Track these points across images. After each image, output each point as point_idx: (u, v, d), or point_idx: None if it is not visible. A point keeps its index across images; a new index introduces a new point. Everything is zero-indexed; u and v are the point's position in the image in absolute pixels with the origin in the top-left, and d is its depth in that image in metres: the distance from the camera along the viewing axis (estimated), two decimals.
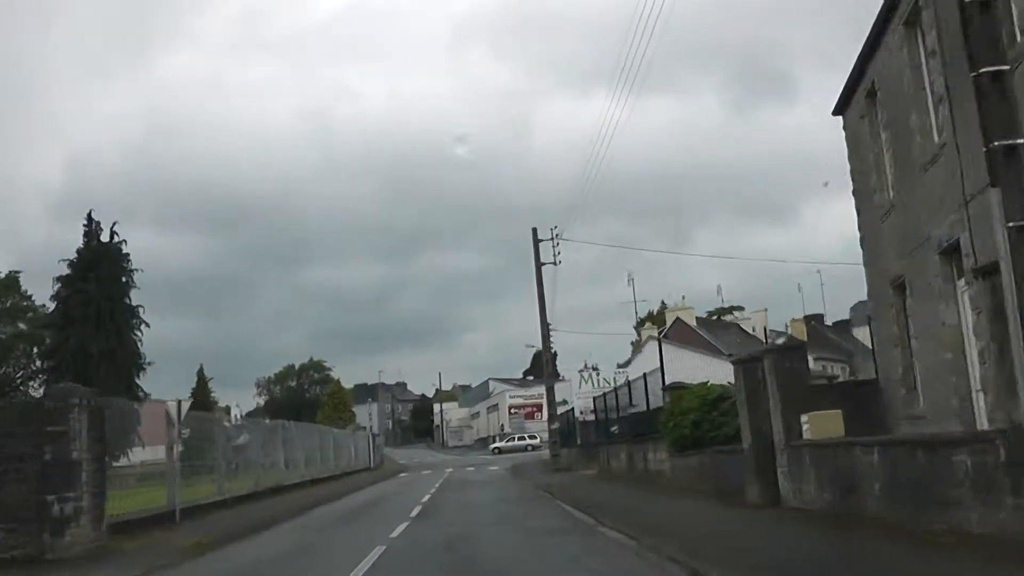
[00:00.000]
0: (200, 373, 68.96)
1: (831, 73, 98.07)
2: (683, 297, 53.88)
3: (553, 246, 34.63)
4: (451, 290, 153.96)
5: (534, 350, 59.75)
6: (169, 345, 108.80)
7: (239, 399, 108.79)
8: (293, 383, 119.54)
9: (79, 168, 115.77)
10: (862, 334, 48.40)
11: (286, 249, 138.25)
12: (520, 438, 77.32)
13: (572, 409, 37.14)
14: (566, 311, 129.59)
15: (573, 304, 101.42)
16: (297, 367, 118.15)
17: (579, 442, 34.75)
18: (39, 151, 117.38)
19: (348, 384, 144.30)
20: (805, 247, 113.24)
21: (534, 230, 34.95)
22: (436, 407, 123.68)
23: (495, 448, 76.38)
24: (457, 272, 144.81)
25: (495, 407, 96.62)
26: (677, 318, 51.70)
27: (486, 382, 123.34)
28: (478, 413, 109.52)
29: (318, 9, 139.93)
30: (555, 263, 34.60)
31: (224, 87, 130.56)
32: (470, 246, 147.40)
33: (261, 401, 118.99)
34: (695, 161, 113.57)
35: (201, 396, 68.09)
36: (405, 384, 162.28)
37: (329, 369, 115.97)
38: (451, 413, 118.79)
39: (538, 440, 74.38)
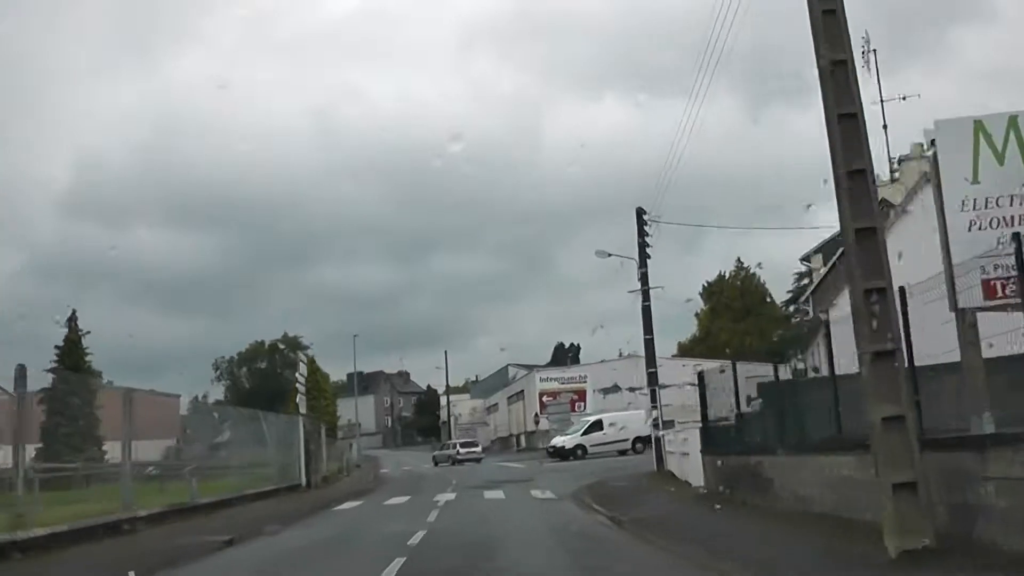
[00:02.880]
0: (71, 324, 44.06)
1: None
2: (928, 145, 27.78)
3: None
4: (460, 292, 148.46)
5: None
6: (175, 343, 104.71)
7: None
8: (263, 365, 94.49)
9: (87, 167, 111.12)
10: None
11: (293, 249, 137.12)
12: (446, 445, 59.03)
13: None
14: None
15: None
16: (267, 345, 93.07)
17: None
18: (47, 150, 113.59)
19: (340, 375, 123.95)
20: None
21: None
22: (445, 399, 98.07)
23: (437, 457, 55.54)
24: (466, 275, 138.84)
25: (519, 395, 71.63)
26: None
27: (504, 369, 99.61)
28: (495, 405, 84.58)
29: (326, 11, 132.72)
30: None
31: (232, 87, 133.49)
32: (479, 249, 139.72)
33: (222, 388, 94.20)
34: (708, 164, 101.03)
35: (73, 360, 44.12)
36: (408, 374, 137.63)
37: (307, 347, 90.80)
38: (461, 406, 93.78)
39: (456, 449, 53.86)
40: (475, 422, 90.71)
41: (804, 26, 8.20)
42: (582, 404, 61.38)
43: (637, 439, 41.38)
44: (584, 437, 42.43)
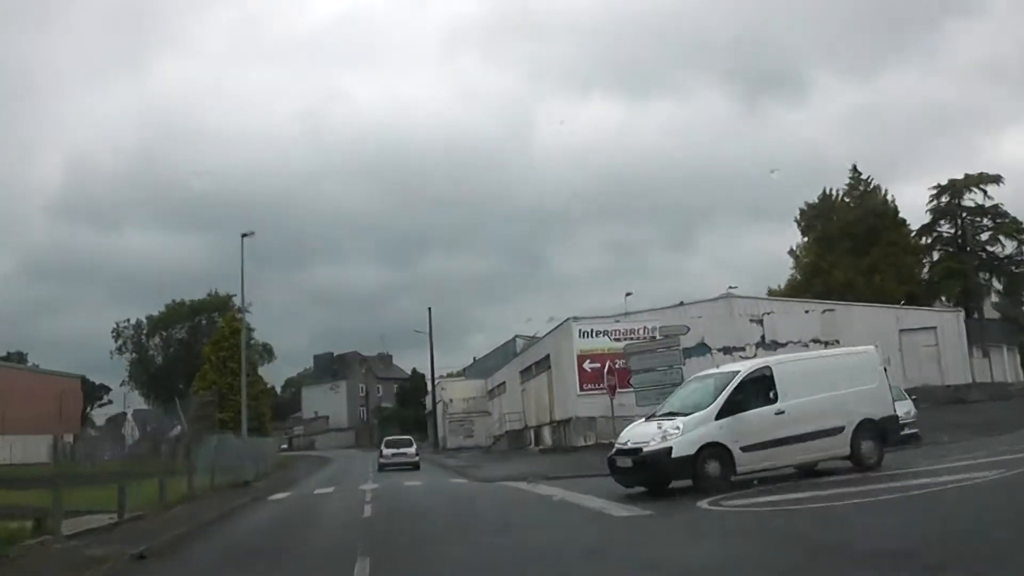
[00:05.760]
0: None
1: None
2: None
3: None
4: (452, 292, 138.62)
5: None
6: None
7: None
8: (182, 334, 69.07)
9: (78, 170, 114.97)
10: None
11: (283, 250, 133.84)
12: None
13: None
14: None
15: None
16: (188, 305, 67.67)
17: None
18: (39, 153, 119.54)
19: (299, 351, 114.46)
20: None
21: None
22: (432, 382, 72.98)
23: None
24: (459, 274, 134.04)
25: (542, 365, 46.86)
26: None
27: (511, 341, 75.10)
28: (502, 385, 59.66)
29: (314, 15, 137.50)
30: None
31: (222, 91, 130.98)
32: (471, 249, 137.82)
33: (125, 363, 69.17)
34: (700, 162, 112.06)
35: None
36: (390, 357, 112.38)
37: (242, 310, 65.32)
38: (453, 390, 68.53)
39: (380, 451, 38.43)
40: (472, 411, 65.80)
41: None
42: (608, 389, 35.82)
43: (866, 425, 14.78)
44: (723, 423, 13.77)
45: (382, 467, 35.24)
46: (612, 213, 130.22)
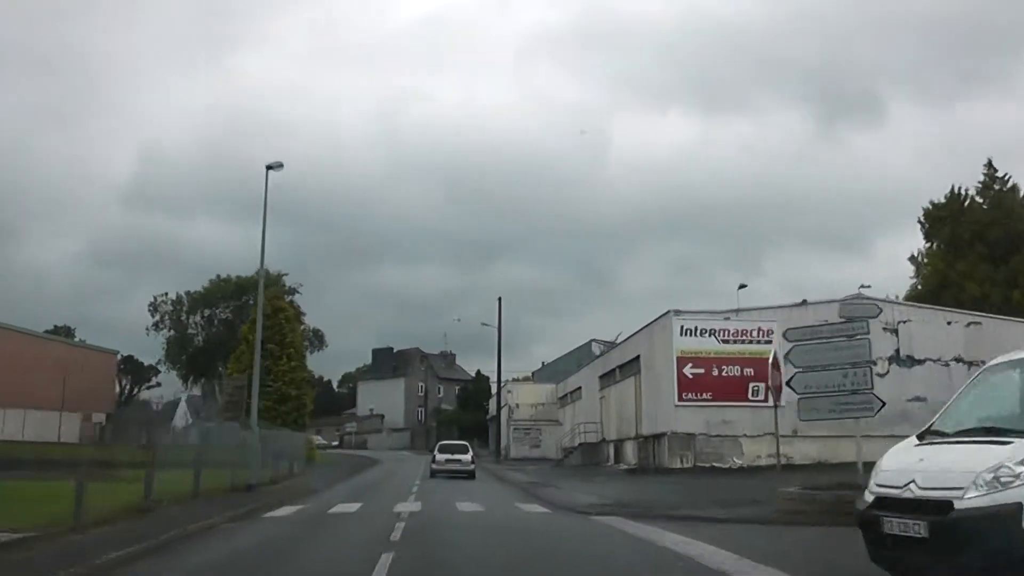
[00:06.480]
0: None
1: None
2: None
3: None
4: (518, 301, 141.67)
5: None
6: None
7: None
8: (226, 313, 63.73)
9: (152, 160, 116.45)
10: None
11: (354, 249, 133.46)
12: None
13: None
14: None
15: None
16: (234, 282, 62.38)
17: None
18: (114, 142, 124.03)
19: (363, 351, 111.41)
20: None
21: None
22: (497, 382, 66.60)
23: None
24: (524, 284, 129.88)
25: (629, 368, 39.63)
26: None
27: (586, 345, 69.00)
28: (577, 391, 52.60)
29: (392, 18, 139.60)
30: None
31: (300, 89, 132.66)
32: (538, 259, 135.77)
33: (161, 340, 64.17)
34: (772, 181, 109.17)
35: None
36: (453, 356, 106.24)
37: (292, 291, 59.80)
38: (520, 394, 61.59)
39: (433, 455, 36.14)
40: (540, 418, 58.90)
41: None
42: (772, 391, 27.75)
43: None
44: None
45: (434, 473, 33.42)
46: (681, 230, 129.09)
